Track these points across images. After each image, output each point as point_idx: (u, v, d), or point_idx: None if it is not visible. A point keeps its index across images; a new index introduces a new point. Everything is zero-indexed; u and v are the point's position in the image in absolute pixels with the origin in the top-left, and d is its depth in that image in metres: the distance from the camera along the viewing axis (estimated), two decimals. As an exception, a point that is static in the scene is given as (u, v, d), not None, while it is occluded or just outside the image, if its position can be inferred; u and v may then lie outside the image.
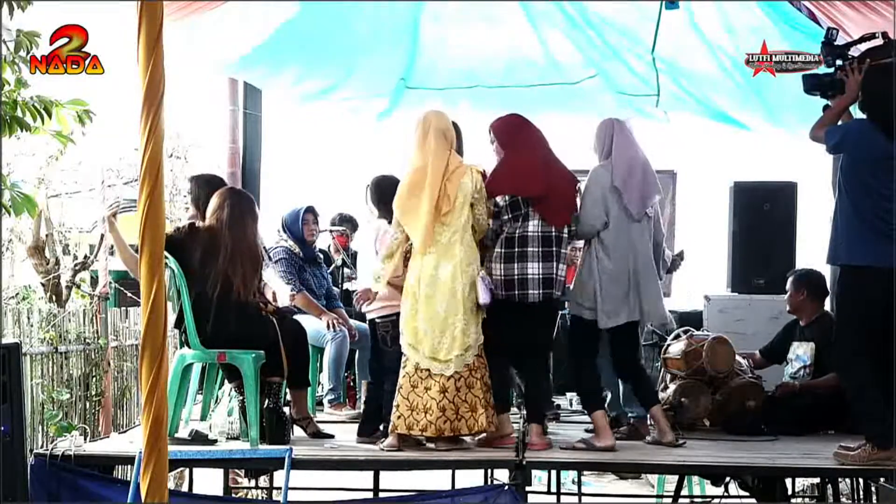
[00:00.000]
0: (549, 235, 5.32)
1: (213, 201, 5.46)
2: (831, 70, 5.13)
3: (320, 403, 6.59)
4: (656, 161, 5.89)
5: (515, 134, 5.45)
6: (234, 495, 6.77)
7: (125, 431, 6.44)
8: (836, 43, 5.18)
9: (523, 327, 5.34)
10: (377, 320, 5.55)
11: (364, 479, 6.39)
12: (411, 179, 5.24)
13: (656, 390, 5.81)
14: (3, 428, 4.61)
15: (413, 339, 5.16)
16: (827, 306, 6.50)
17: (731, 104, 7.73)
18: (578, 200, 5.51)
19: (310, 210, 6.85)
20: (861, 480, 5.85)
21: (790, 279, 6.43)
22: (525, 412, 5.63)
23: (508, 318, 5.30)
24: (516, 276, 5.27)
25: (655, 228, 5.65)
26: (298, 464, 4.90)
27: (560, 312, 5.88)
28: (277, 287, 5.66)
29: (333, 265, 7.51)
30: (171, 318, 5.39)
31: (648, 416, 5.83)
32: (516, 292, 5.26)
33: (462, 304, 5.15)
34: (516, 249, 5.29)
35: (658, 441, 5.49)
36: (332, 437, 5.56)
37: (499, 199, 5.34)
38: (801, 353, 6.25)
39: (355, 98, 8.10)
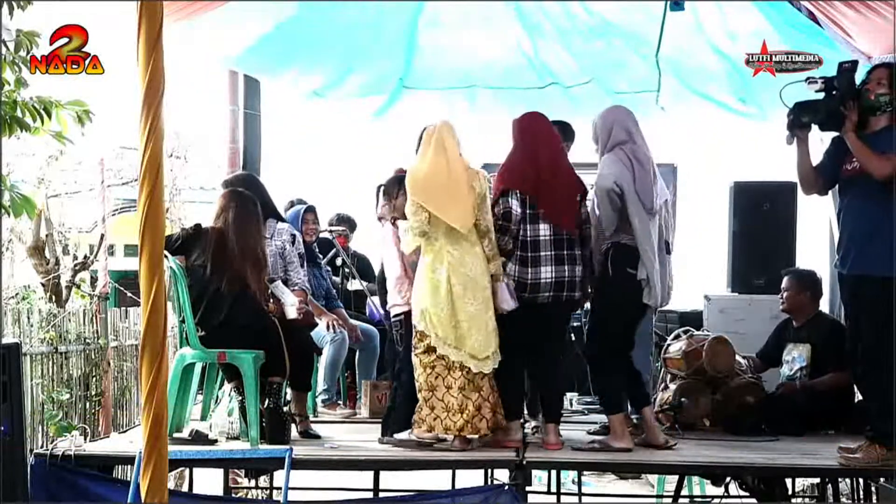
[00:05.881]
0: (561, 238, 5.31)
1: (218, 204, 5.58)
2: (821, 96, 4.87)
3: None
4: (657, 154, 5.81)
5: (519, 132, 5.49)
6: (234, 495, 6.77)
7: (125, 431, 6.45)
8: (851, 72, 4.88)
9: (535, 329, 5.32)
10: (392, 319, 5.61)
11: (364, 479, 6.39)
12: (432, 168, 5.19)
13: (647, 392, 5.79)
14: (3, 428, 4.61)
15: (454, 339, 5.09)
16: (825, 308, 6.52)
17: (736, 100, 7.72)
18: (590, 206, 5.46)
19: (311, 210, 6.86)
20: (861, 480, 5.84)
21: (788, 278, 6.40)
22: (542, 413, 5.58)
23: (521, 319, 5.27)
24: (529, 280, 5.25)
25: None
26: (298, 464, 4.90)
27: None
28: (285, 299, 5.66)
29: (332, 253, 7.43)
30: (172, 318, 5.41)
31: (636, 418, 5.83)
32: (527, 294, 5.26)
33: (490, 300, 5.17)
34: (529, 254, 5.28)
35: (648, 443, 5.45)
36: (318, 437, 5.58)
37: (510, 199, 5.29)
38: (796, 354, 6.22)
39: (354, 96, 8.08)
